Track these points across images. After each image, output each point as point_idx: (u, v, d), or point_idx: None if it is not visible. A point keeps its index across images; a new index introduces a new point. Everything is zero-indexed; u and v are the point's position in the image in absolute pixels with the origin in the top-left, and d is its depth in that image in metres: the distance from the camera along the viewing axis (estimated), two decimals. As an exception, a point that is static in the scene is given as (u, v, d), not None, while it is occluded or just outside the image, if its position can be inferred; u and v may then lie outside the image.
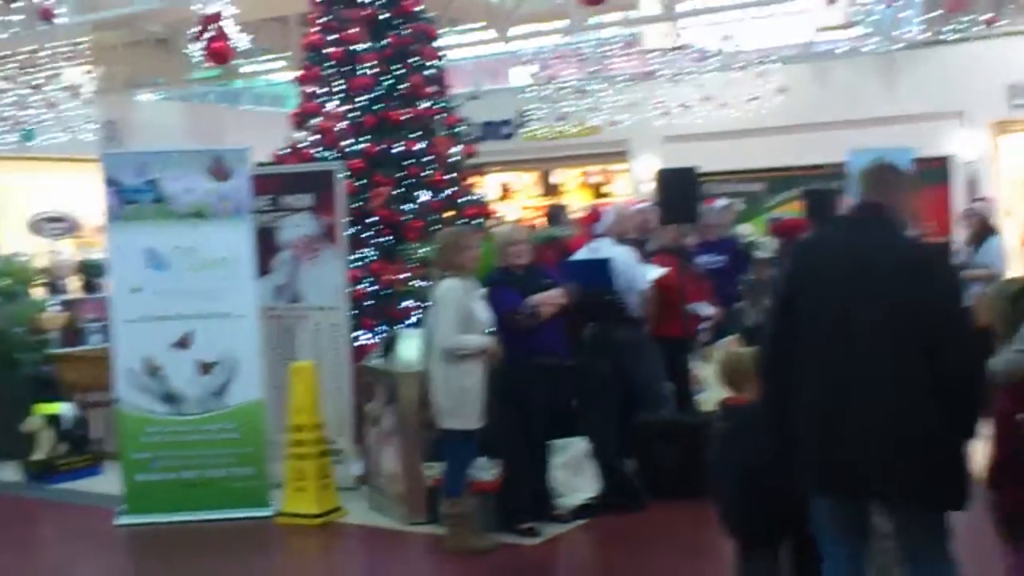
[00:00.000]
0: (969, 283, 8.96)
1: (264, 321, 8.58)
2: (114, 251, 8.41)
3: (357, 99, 10.44)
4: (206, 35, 12.72)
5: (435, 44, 10.99)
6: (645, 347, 8.25)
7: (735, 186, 17.62)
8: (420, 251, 9.56)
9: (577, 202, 19.71)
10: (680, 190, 9.50)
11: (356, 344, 9.13)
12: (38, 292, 12.66)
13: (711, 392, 8.40)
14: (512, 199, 22.72)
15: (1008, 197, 16.51)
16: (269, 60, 22.29)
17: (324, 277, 8.83)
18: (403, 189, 10.18)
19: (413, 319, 9.42)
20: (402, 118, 10.37)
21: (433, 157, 10.42)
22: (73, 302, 13.01)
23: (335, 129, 10.36)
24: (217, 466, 8.20)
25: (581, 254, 8.52)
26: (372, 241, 10.01)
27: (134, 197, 8.30)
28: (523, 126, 20.75)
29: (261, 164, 9.72)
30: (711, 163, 13.68)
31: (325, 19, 10.72)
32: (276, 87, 25.50)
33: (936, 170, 16.25)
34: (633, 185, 20.81)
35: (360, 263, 9.80)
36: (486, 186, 12.82)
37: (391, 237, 10.03)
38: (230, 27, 12.98)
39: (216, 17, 12.73)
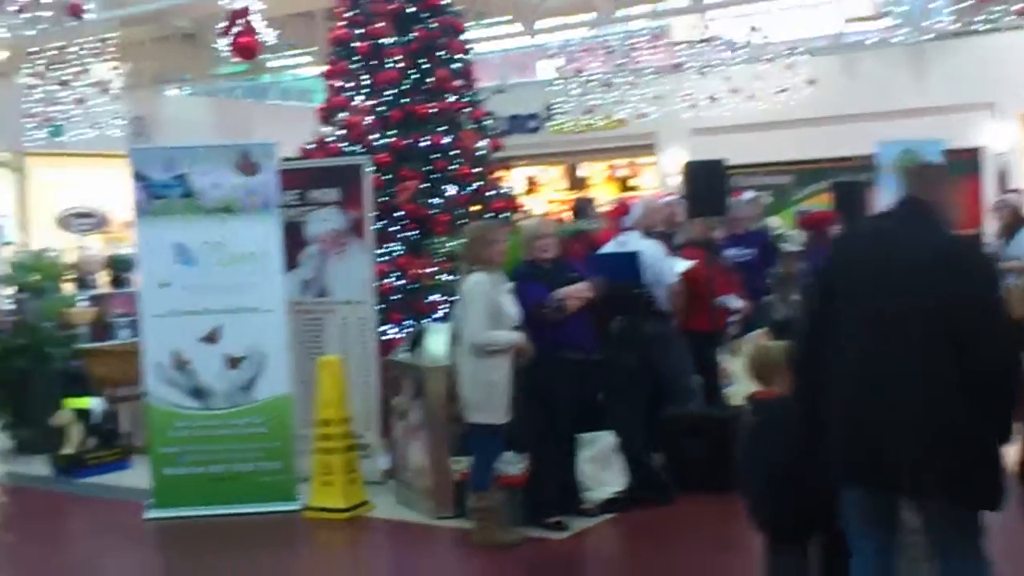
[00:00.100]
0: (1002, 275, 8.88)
1: (292, 315, 8.59)
2: (143, 246, 8.44)
3: (384, 93, 10.43)
4: (233, 30, 12.75)
5: (462, 38, 10.96)
6: (673, 341, 8.23)
7: (763, 179, 17.57)
8: (447, 245, 9.55)
9: (604, 196, 19.69)
10: (708, 183, 9.44)
11: (383, 338, 9.13)
12: (67, 287, 12.72)
13: (739, 386, 8.37)
14: (539, 193, 22.73)
15: (1040, 189, 16.37)
16: (296, 55, 22.36)
17: (351, 271, 8.83)
18: (430, 183, 10.17)
19: (440, 313, 9.41)
20: (429, 112, 10.35)
21: (460, 151, 10.40)
22: (102, 297, 13.06)
23: (362, 123, 10.35)
24: (245, 460, 8.21)
25: (609, 248, 8.49)
26: (399, 235, 9.99)
27: (162, 192, 8.31)
28: (550, 119, 20.74)
29: (288, 159, 9.72)
30: (739, 156, 13.65)
31: (351, 13, 10.70)
32: (303, 82, 25.58)
33: (967, 162, 16.18)
34: (660, 178, 20.78)
35: (387, 257, 9.79)
36: (513, 180, 12.77)
37: (418, 231, 10.02)
38: (257, 22, 13.02)
39: (243, 12, 12.77)
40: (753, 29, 18.02)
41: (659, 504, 7.63)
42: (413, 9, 10.59)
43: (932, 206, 4.28)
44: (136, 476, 9.12)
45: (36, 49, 17.67)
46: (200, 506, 8.10)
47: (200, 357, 8.23)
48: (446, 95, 10.53)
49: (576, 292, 7.26)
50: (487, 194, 10.49)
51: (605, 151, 21.90)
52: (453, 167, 10.32)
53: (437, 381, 7.50)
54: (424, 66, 10.50)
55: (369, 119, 10.36)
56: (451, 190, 10.24)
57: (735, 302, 9.10)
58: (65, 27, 15.49)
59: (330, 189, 8.93)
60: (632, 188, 21.95)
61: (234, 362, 8.25)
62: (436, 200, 10.12)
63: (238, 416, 8.23)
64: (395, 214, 9.97)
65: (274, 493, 8.16)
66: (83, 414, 9.75)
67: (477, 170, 10.52)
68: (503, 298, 6.97)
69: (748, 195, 11.38)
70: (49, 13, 14.79)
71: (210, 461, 8.21)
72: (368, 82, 10.52)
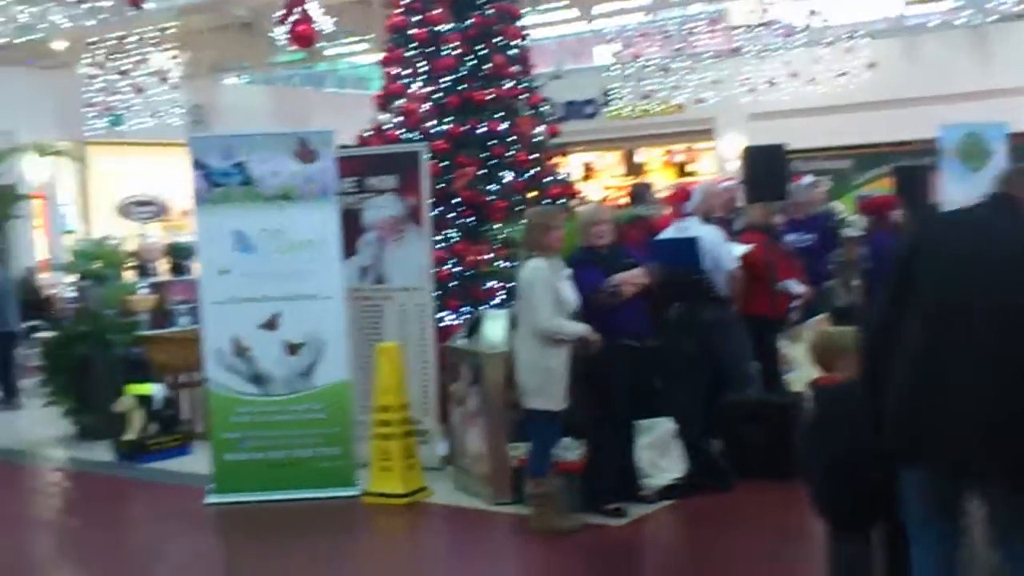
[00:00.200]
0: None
1: (350, 302, 8.63)
2: (202, 234, 8.49)
3: (441, 80, 10.43)
4: (291, 18, 12.79)
5: (518, 24, 10.95)
6: (732, 327, 8.17)
7: (822, 163, 17.41)
8: (504, 232, 9.54)
9: (661, 181, 19.60)
10: (767, 167, 9.36)
11: (441, 325, 9.14)
12: (128, 275, 12.87)
13: (800, 372, 8.30)
14: (595, 179, 22.67)
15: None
16: (353, 42, 22.43)
17: (409, 258, 8.84)
18: (487, 170, 10.16)
19: (497, 300, 9.41)
20: (486, 98, 10.34)
21: (516, 137, 10.39)
22: (162, 284, 13.17)
23: (419, 110, 10.36)
24: (304, 446, 8.26)
25: (668, 233, 8.44)
26: (456, 222, 10.01)
27: (221, 180, 8.36)
28: (607, 105, 20.68)
29: (345, 146, 9.75)
30: (798, 141, 13.50)
31: (408, 0, 10.71)
32: (360, 69, 25.69)
33: (1031, 145, 15.89)
34: (718, 163, 20.65)
35: (444, 244, 9.81)
36: (569, 166, 12.74)
37: (475, 218, 10.02)
38: (314, 10, 13.07)
39: (300, 1, 12.81)
40: (812, 12, 17.84)
41: (718, 491, 7.58)
42: (470, -5, 10.59)
43: (1022, 202, 4.25)
44: (197, 462, 9.21)
45: (96, 39, 17.88)
46: (260, 491, 8.16)
47: (259, 344, 8.28)
48: (503, 81, 10.52)
49: (631, 278, 7.22)
50: (544, 180, 10.47)
51: (662, 136, 21.81)
52: (510, 153, 10.31)
53: (495, 368, 7.50)
54: (481, 52, 10.49)
55: (426, 106, 10.37)
56: (508, 176, 10.23)
57: (797, 287, 9.00)
58: (125, 17, 15.66)
59: (387, 176, 8.94)
60: (689, 174, 21.84)
61: (293, 349, 8.29)
62: (493, 187, 10.12)
63: (297, 402, 8.27)
64: (452, 201, 9.98)
65: (333, 479, 8.19)
66: (144, 400, 9.85)
67: (534, 156, 10.50)
68: (562, 284, 6.94)
69: (808, 180, 11.28)
70: (109, 3, 14.95)
71: (270, 447, 8.26)
72: (425, 69, 10.53)
